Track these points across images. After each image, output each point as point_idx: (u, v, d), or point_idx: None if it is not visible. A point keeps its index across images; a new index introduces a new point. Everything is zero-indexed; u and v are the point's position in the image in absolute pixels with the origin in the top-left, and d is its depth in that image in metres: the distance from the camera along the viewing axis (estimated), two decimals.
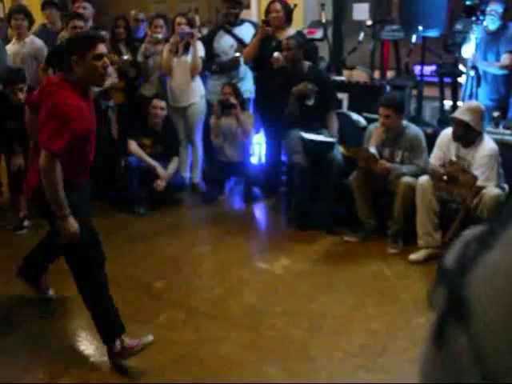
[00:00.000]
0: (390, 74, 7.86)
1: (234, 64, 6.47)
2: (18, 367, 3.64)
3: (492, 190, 4.62)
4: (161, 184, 6.10)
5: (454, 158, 4.84)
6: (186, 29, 6.34)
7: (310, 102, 5.67)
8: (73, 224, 3.43)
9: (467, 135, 4.75)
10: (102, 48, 3.41)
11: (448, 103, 6.72)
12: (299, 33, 6.21)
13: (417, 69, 6.97)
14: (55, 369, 3.62)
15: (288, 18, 6.17)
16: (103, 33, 6.54)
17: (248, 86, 6.63)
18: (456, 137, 4.81)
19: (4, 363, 3.70)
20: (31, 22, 6.60)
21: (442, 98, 6.70)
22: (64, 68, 3.58)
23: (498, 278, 0.34)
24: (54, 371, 3.60)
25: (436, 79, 6.97)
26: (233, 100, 6.07)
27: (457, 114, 4.83)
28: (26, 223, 5.73)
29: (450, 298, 0.36)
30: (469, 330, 0.34)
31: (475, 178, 4.62)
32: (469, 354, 0.34)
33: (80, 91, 3.39)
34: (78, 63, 3.35)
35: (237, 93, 6.20)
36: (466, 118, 4.71)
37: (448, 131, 4.97)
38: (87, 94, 3.48)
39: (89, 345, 3.88)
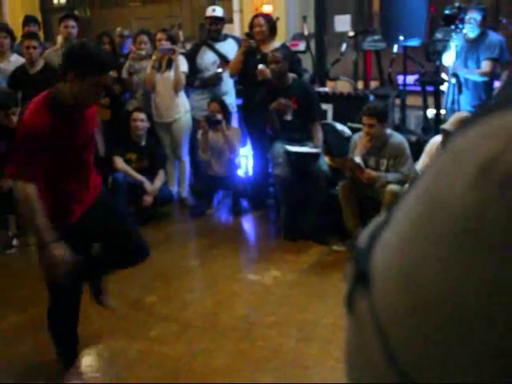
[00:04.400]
0: (373, 84, 7.96)
1: (216, 80, 6.53)
2: None
3: None
4: (148, 200, 6.12)
5: None
6: (167, 44, 6.39)
7: (289, 118, 5.68)
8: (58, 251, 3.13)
9: None
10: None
11: (431, 112, 6.80)
12: (283, 45, 6.27)
13: (400, 78, 7.05)
14: None
15: (271, 31, 6.22)
16: None
17: (231, 100, 6.68)
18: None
19: None
20: (13, 39, 6.61)
21: (425, 106, 6.79)
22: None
23: (387, 252, 0.39)
24: None
25: (419, 88, 7.06)
26: (219, 116, 6.11)
27: (447, 126, 4.89)
28: (14, 242, 5.72)
29: (356, 269, 0.41)
30: (369, 296, 0.39)
31: None
32: (369, 319, 0.38)
33: (60, 107, 3.13)
34: (75, 80, 3.08)
35: (224, 108, 6.25)
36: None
37: (437, 139, 5.03)
38: (72, 111, 3.20)
39: None
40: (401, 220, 0.40)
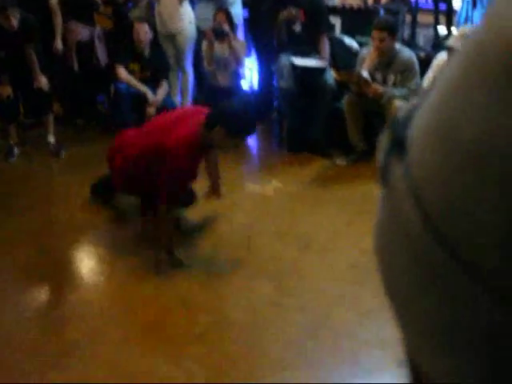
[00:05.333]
0: (384, 0, 7.73)
1: None
2: None
3: None
4: (151, 110, 6.04)
5: None
6: None
7: (297, 28, 5.57)
8: None
9: None
10: None
11: (442, 29, 6.63)
12: None
13: None
14: None
15: None
16: None
17: (237, 11, 6.50)
18: None
19: None
20: None
21: (436, 23, 6.61)
22: None
23: (425, 115, 0.37)
24: None
25: (430, 6, 6.87)
26: (226, 27, 5.96)
27: (451, 43, 4.78)
28: (15, 151, 5.68)
29: (392, 139, 0.39)
30: (405, 161, 0.37)
31: None
32: (404, 183, 0.36)
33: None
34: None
35: (230, 19, 6.08)
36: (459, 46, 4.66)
37: (444, 55, 4.92)
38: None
39: None
40: (442, 82, 0.37)
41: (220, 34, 5.90)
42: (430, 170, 0.35)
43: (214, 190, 4.16)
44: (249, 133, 4.16)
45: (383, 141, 0.40)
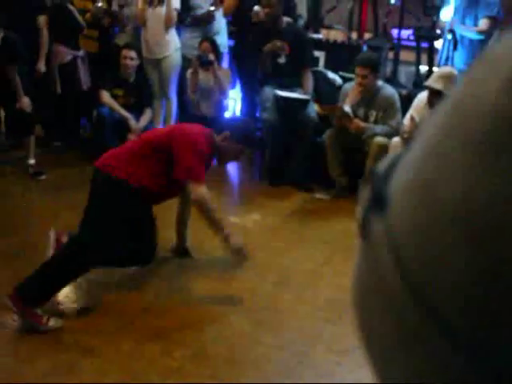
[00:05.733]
0: (367, 35, 7.84)
1: (208, 18, 6.38)
2: None
3: None
4: (132, 137, 6.02)
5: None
6: None
7: (282, 60, 5.63)
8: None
9: None
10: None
11: (424, 68, 6.72)
12: None
13: (394, 32, 6.95)
14: None
15: None
16: None
17: (223, 40, 6.55)
18: (432, 105, 4.83)
19: None
20: None
21: (418, 61, 6.71)
22: None
23: (405, 171, 0.38)
24: None
25: (412, 44, 6.97)
26: (211, 56, 5.99)
27: (430, 83, 4.87)
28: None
29: (372, 194, 0.40)
30: (385, 217, 0.38)
31: None
32: (383, 238, 0.37)
33: None
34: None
35: (215, 48, 6.12)
36: (439, 86, 4.75)
37: (424, 94, 5.00)
38: None
39: None
40: (422, 138, 0.38)
41: (205, 63, 5.92)
42: (408, 228, 0.35)
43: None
44: (251, 139, 4.24)
45: (363, 194, 0.41)
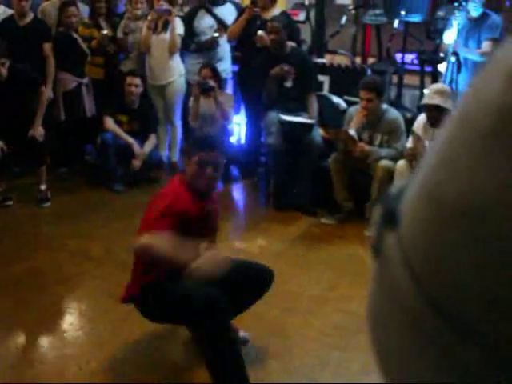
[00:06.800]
0: (370, 60, 7.87)
1: (212, 44, 6.42)
2: None
3: None
4: (137, 164, 6.04)
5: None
6: (164, 5, 6.28)
7: (289, 84, 5.65)
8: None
9: (442, 117, 4.76)
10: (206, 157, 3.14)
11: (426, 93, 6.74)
12: (283, 13, 6.17)
13: (398, 56, 6.98)
14: None
15: None
16: (82, 6, 6.51)
17: (226, 66, 6.59)
18: (432, 122, 4.82)
19: None
20: None
21: (422, 85, 6.72)
22: None
23: (417, 185, 0.38)
24: None
25: (416, 68, 6.99)
26: (212, 83, 6.01)
27: (426, 100, 4.89)
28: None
29: (385, 211, 0.41)
30: (397, 233, 0.38)
31: None
32: (397, 252, 0.38)
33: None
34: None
35: (215, 74, 6.14)
36: (435, 100, 4.77)
37: (422, 117, 5.02)
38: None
39: None
40: (429, 155, 0.39)
41: (206, 89, 5.93)
42: (418, 235, 0.36)
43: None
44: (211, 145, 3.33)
45: (376, 214, 0.42)
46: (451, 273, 0.34)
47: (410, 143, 4.96)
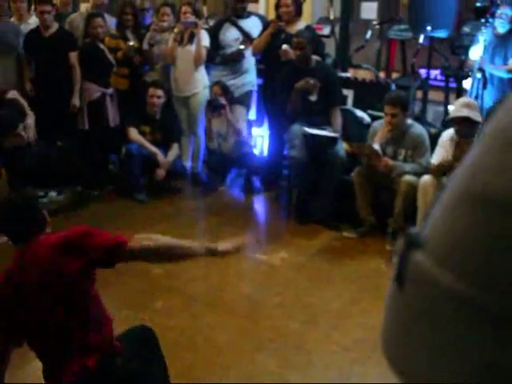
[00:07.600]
0: (395, 75, 7.87)
1: (238, 57, 6.46)
2: None
3: None
4: (160, 173, 6.09)
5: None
6: (191, 18, 6.32)
7: (313, 98, 5.65)
8: None
9: (473, 130, 4.72)
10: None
11: (452, 108, 6.71)
12: (308, 27, 6.19)
13: (422, 72, 6.97)
14: None
15: (297, 12, 6.15)
16: (109, 18, 6.58)
17: (252, 78, 6.62)
18: (462, 135, 4.79)
19: None
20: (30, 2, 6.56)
21: (446, 101, 6.70)
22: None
23: (447, 204, 0.40)
24: None
25: (440, 83, 6.97)
26: (222, 100, 6.04)
27: (454, 113, 4.87)
28: None
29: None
30: (425, 248, 0.40)
31: None
32: (429, 263, 0.39)
33: None
34: None
35: (226, 91, 6.18)
36: (464, 113, 4.75)
37: (450, 131, 4.98)
38: None
39: None
40: (465, 165, 0.41)
41: (217, 108, 5.98)
42: (460, 238, 0.37)
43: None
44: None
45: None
46: (500, 265, 0.35)
47: (434, 160, 4.94)
